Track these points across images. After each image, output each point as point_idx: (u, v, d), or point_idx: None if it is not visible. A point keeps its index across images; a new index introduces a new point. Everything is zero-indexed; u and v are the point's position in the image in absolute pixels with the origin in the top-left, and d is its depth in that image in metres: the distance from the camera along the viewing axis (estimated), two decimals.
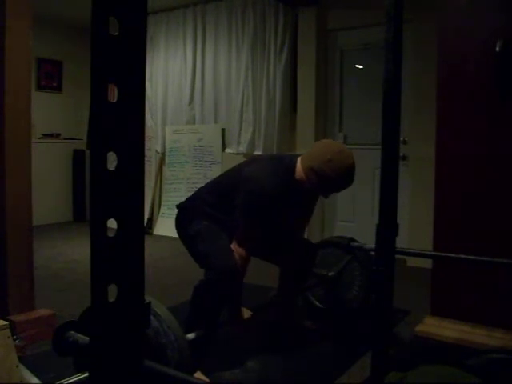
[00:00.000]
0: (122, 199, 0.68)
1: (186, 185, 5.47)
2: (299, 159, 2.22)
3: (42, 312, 2.55)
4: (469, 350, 2.35)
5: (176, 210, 2.40)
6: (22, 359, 2.00)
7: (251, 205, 2.13)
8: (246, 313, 2.26)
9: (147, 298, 0.74)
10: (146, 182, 5.58)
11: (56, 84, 6.20)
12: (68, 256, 4.42)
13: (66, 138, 6.20)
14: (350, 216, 4.72)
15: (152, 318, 1.59)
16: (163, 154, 5.75)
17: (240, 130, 5.17)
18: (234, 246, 2.15)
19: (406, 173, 4.12)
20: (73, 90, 6.30)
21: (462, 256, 2.17)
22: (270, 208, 2.16)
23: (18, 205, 2.46)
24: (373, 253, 2.42)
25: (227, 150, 5.27)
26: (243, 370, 2.22)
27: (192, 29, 5.45)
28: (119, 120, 0.66)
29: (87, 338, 1.40)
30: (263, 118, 4.98)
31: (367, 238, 2.61)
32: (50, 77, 6.12)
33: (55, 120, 6.12)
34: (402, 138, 4.16)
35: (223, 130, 5.30)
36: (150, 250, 4.61)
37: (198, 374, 1.98)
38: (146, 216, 5.62)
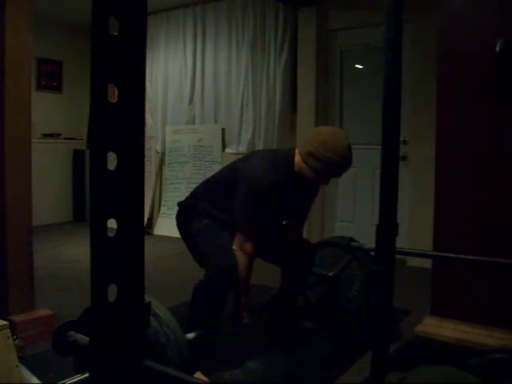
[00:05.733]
0: (122, 199, 0.68)
1: (186, 185, 5.47)
2: (296, 151, 2.24)
3: (42, 312, 2.55)
4: (469, 350, 2.35)
5: (177, 209, 2.40)
6: (22, 359, 2.00)
7: (251, 200, 2.13)
8: (245, 317, 2.24)
9: (147, 298, 0.74)
10: (146, 182, 5.58)
11: (56, 84, 6.20)
12: (68, 256, 4.42)
13: (66, 138, 6.20)
14: (350, 216, 4.72)
15: (152, 318, 1.59)
16: (163, 153, 5.75)
17: (240, 130, 5.17)
18: (237, 244, 2.14)
19: (405, 173, 4.12)
20: (73, 90, 6.29)
21: (462, 256, 2.17)
22: (269, 202, 2.16)
23: (18, 205, 2.46)
24: (373, 253, 2.41)
25: (227, 150, 5.27)
26: (243, 370, 2.21)
27: (192, 29, 5.44)
28: (119, 120, 0.66)
29: (87, 338, 1.40)
30: (263, 117, 4.98)
31: (367, 238, 2.61)
32: (50, 77, 6.11)
33: (55, 120, 6.12)
34: (402, 138, 4.16)
35: (223, 129, 5.29)
36: (149, 250, 4.61)
37: (198, 374, 1.98)
38: (146, 216, 5.61)
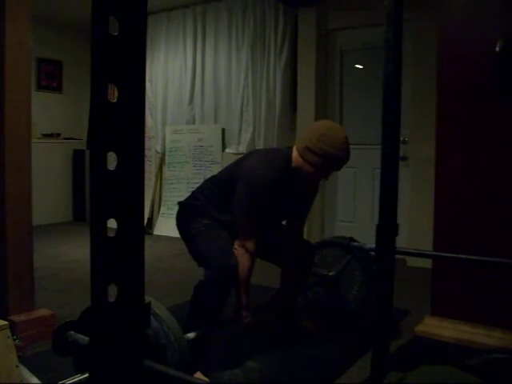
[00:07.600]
0: (122, 199, 0.68)
1: (186, 185, 5.47)
2: (294, 148, 2.25)
3: (42, 312, 2.55)
4: (469, 350, 2.35)
5: (177, 208, 2.40)
6: (22, 359, 2.00)
7: (250, 197, 2.13)
8: (247, 317, 2.24)
9: (147, 298, 0.74)
10: (146, 182, 5.58)
11: (56, 84, 6.20)
12: (68, 256, 4.42)
13: (66, 138, 6.20)
14: (350, 216, 4.72)
15: (152, 318, 1.59)
16: (163, 154, 5.75)
17: (240, 129, 5.17)
18: (238, 242, 2.14)
19: (405, 173, 4.12)
20: (73, 90, 6.29)
21: (462, 256, 2.17)
22: (268, 199, 2.16)
23: (18, 205, 2.46)
24: (373, 253, 2.42)
25: (227, 150, 5.28)
26: (243, 370, 2.21)
27: (192, 29, 5.45)
28: (119, 120, 0.66)
29: (87, 338, 1.40)
30: (263, 117, 4.98)
31: (367, 238, 2.61)
32: (50, 77, 6.11)
33: (55, 120, 6.12)
34: (402, 138, 4.16)
35: (223, 129, 5.30)
36: (149, 250, 4.61)
37: (198, 374, 1.98)
38: (146, 216, 5.62)
